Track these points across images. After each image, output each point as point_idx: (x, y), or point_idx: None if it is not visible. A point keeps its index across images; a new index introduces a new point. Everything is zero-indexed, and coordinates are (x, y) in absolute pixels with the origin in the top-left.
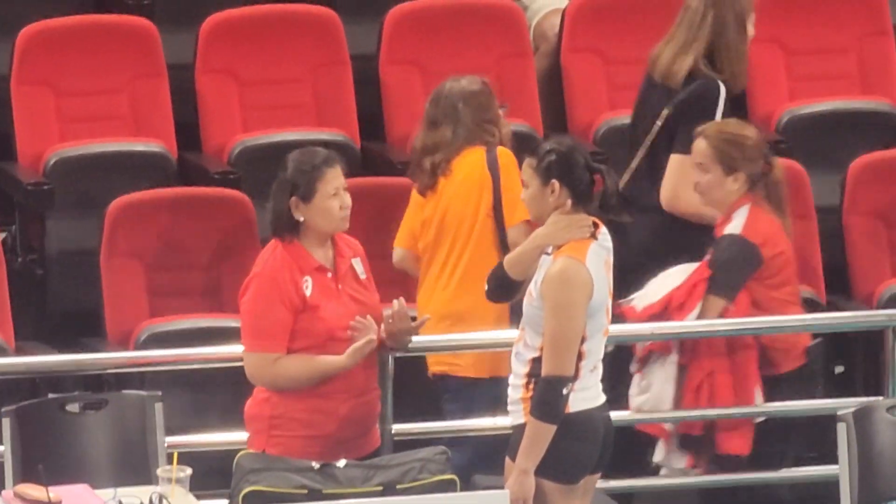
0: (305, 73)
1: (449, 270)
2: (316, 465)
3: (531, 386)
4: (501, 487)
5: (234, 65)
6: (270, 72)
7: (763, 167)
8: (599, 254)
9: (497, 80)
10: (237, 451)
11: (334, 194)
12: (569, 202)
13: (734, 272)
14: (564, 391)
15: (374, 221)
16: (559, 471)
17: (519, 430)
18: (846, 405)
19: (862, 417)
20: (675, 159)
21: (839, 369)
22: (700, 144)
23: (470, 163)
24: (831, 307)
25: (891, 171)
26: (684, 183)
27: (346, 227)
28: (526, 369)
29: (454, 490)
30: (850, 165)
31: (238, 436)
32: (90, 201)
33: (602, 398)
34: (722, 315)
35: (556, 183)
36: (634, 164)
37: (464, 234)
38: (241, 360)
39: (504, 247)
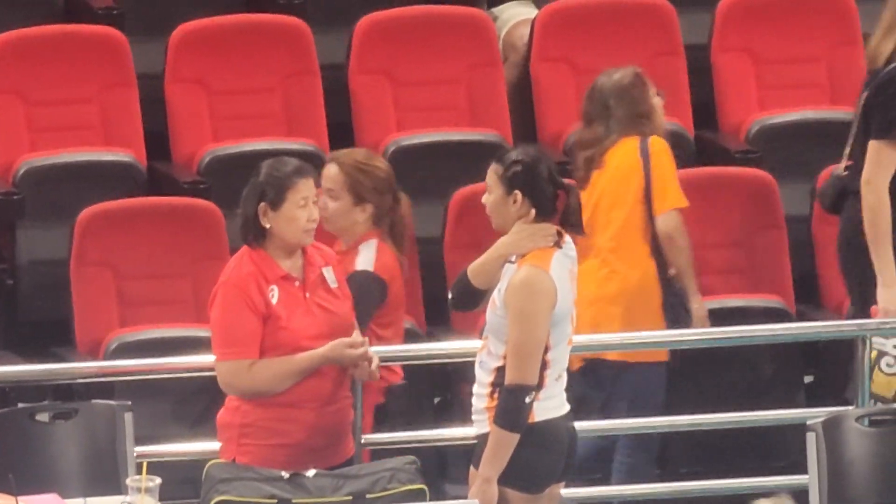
0: (275, 82)
1: (601, 256)
2: (285, 474)
3: (496, 395)
4: (466, 497)
5: (205, 74)
6: (240, 81)
7: (391, 201)
8: (563, 263)
9: (467, 89)
10: (207, 460)
11: (303, 205)
12: (532, 212)
13: (365, 310)
14: (527, 400)
15: None
16: (523, 480)
17: (483, 438)
18: (816, 415)
19: (831, 427)
20: (871, 145)
21: (808, 379)
22: (331, 170)
23: (623, 152)
24: (801, 317)
25: None
26: (878, 170)
27: (309, 240)
28: (490, 378)
29: (424, 499)
30: (819, 175)
31: (207, 445)
32: (60, 211)
33: (566, 407)
34: None
35: (518, 194)
36: (847, 150)
37: (614, 220)
38: (211, 369)
39: (653, 234)
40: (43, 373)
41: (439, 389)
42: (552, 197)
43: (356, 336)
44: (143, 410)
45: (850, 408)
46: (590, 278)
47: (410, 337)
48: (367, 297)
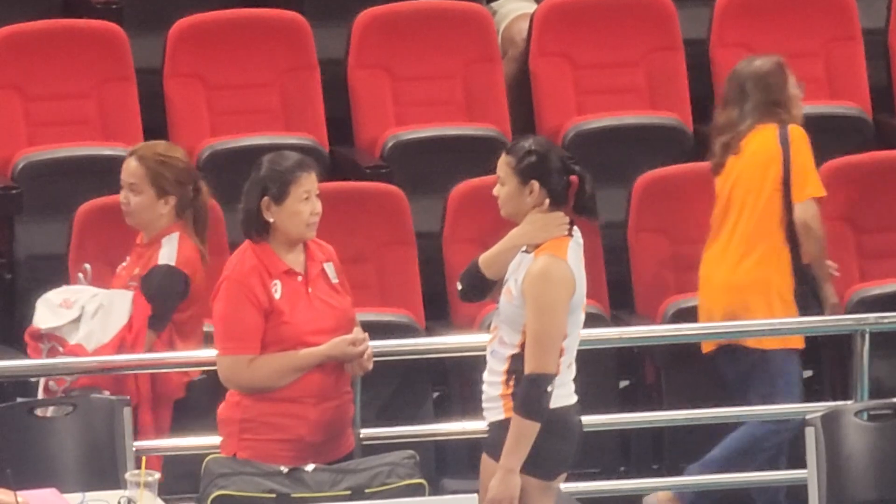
0: (274, 77)
1: (735, 242)
2: (284, 469)
3: (511, 382)
4: (470, 491)
5: (203, 69)
6: (239, 76)
7: (192, 192)
8: (577, 251)
9: (465, 84)
10: (206, 454)
11: (306, 199)
12: (546, 202)
13: (167, 304)
14: (549, 388)
15: (343, 226)
16: (540, 467)
17: (496, 426)
18: (815, 409)
19: (830, 421)
20: None
21: (807, 373)
22: (132, 164)
23: (761, 138)
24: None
25: (858, 175)
26: None
27: (312, 234)
28: (504, 366)
29: (423, 494)
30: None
31: (206, 440)
32: (59, 205)
33: (575, 397)
34: (152, 349)
35: (535, 183)
36: None
37: (750, 207)
38: (212, 364)
39: (788, 222)
40: (41, 367)
41: (438, 384)
42: (566, 185)
43: (357, 332)
44: None
45: (849, 402)
46: (721, 265)
47: (409, 331)
48: (170, 291)
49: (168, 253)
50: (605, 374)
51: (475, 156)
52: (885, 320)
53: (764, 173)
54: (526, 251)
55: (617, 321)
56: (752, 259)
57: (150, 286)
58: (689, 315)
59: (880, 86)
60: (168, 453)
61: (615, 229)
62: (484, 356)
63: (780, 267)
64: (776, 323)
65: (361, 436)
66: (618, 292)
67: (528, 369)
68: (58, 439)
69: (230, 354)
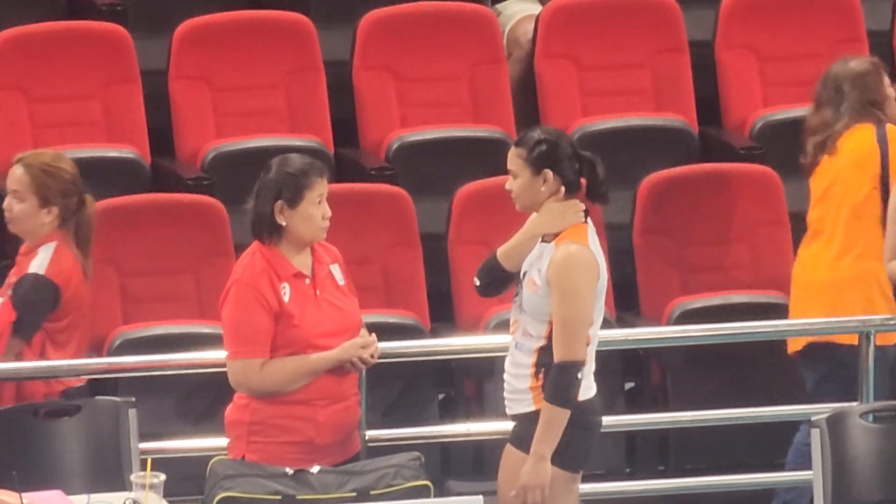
0: (279, 79)
1: (834, 241)
2: (290, 470)
3: (540, 375)
4: (475, 493)
5: (208, 71)
6: (244, 78)
7: (76, 204)
8: (595, 237)
9: (470, 85)
10: (211, 456)
11: (318, 203)
12: (562, 189)
13: (35, 313)
14: (579, 375)
15: (349, 227)
16: (566, 460)
17: (524, 417)
18: (820, 411)
19: (836, 423)
20: None
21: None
22: (17, 172)
23: (858, 138)
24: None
25: None
26: None
27: (324, 237)
28: (532, 359)
29: (428, 496)
30: None
31: (212, 441)
32: None
33: (595, 389)
34: (20, 357)
35: (548, 172)
36: None
37: (849, 205)
38: (215, 365)
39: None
40: (46, 369)
41: (443, 386)
42: (578, 172)
43: (364, 334)
44: (147, 407)
45: (855, 404)
46: (820, 263)
47: (414, 333)
48: (36, 300)
49: (40, 262)
50: (611, 376)
51: (480, 157)
52: (891, 322)
53: (862, 172)
54: (544, 241)
55: (622, 323)
56: (852, 256)
57: (17, 294)
58: (694, 316)
59: None
60: (172, 455)
61: (621, 231)
62: (489, 358)
63: (880, 264)
64: (782, 324)
65: (367, 437)
66: (623, 294)
67: (557, 357)
68: (63, 441)
69: (241, 358)
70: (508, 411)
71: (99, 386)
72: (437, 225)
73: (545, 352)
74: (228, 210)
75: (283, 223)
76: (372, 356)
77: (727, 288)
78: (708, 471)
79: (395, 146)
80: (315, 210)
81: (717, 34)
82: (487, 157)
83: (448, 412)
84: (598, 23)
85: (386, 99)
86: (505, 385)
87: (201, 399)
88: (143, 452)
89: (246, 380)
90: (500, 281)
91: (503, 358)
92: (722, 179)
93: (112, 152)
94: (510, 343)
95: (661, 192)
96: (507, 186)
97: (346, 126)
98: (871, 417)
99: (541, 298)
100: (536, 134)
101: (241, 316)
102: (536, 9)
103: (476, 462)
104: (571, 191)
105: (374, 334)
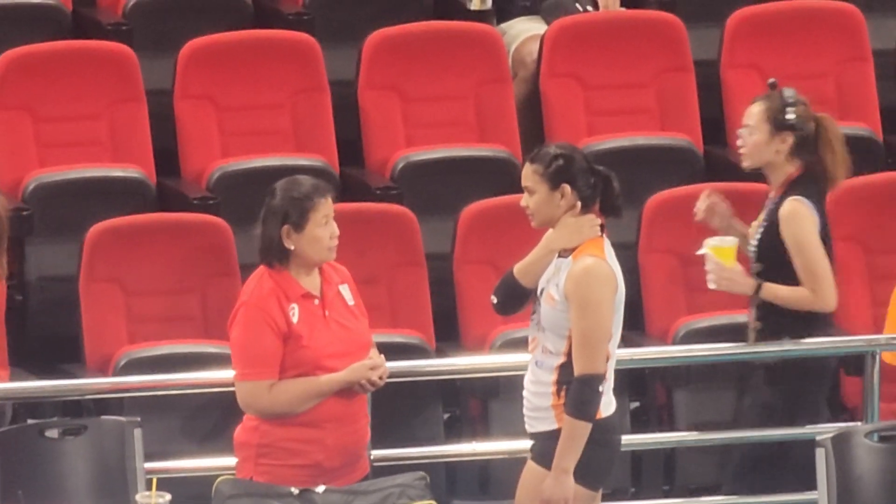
0: (284, 98)
1: None
2: (295, 490)
3: (562, 393)
4: None
5: (213, 90)
6: (249, 97)
7: None
8: (611, 250)
9: (476, 105)
10: (216, 476)
11: (325, 224)
12: (578, 204)
13: None
14: (600, 388)
15: (354, 247)
16: (587, 476)
17: (548, 436)
18: (825, 430)
19: (840, 442)
20: None
21: None
22: None
23: None
24: None
25: (871, 194)
26: None
27: (333, 257)
28: (553, 377)
29: None
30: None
31: (217, 461)
32: (69, 227)
33: (614, 405)
34: None
35: (566, 187)
36: None
37: None
38: (221, 385)
39: None
40: (52, 389)
41: (448, 405)
42: (593, 186)
43: (374, 354)
44: (153, 426)
45: (860, 423)
46: None
47: (419, 353)
48: None
49: None
50: (616, 395)
51: (485, 177)
52: None
53: None
54: (561, 255)
55: (628, 342)
56: None
57: None
58: (700, 336)
59: (891, 107)
60: (177, 475)
61: (626, 250)
62: (495, 377)
63: None
64: (787, 344)
65: (372, 457)
66: (628, 313)
67: (578, 370)
68: (68, 461)
69: (249, 380)
70: (529, 429)
71: (105, 405)
72: (442, 244)
73: (565, 369)
74: (234, 230)
75: (292, 247)
76: (381, 378)
77: (733, 307)
78: (713, 491)
79: (400, 166)
80: (322, 231)
81: (722, 54)
82: (493, 176)
83: (453, 432)
84: (603, 42)
85: (391, 118)
86: (525, 402)
87: (207, 419)
88: (149, 472)
89: (254, 401)
90: (517, 298)
91: (509, 377)
92: (727, 199)
93: (117, 172)
94: (529, 361)
95: (666, 212)
96: (524, 203)
97: (351, 146)
98: (875, 437)
99: (559, 313)
100: (552, 149)
101: (249, 337)
102: (541, 28)
103: (482, 482)
104: (588, 205)
105: (382, 356)
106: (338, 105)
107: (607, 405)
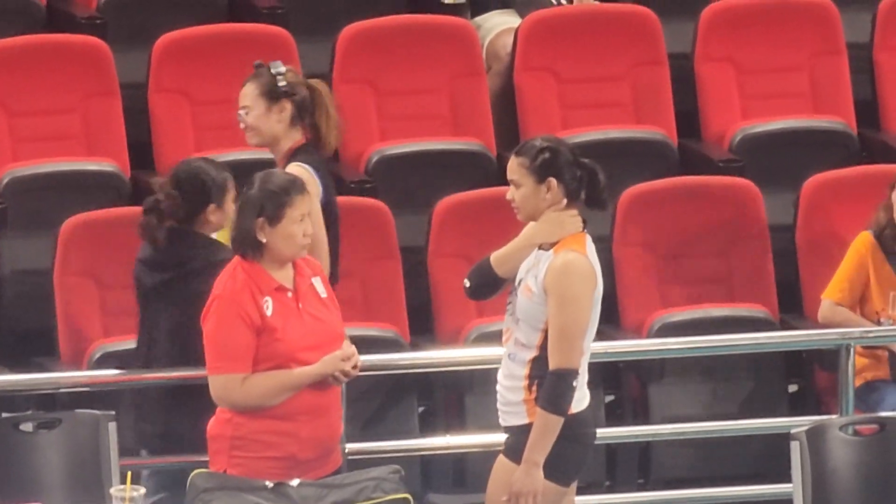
0: None
1: None
2: (270, 484)
3: (533, 388)
4: None
5: (188, 84)
6: (223, 91)
7: None
8: (592, 246)
9: (450, 98)
10: (191, 469)
11: (299, 221)
12: (564, 201)
13: None
14: (574, 383)
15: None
16: (557, 472)
17: (520, 430)
18: (800, 423)
19: (815, 436)
20: None
21: (793, 388)
22: None
23: None
24: (785, 325)
25: (845, 189)
26: None
27: (305, 254)
28: (525, 370)
29: None
30: (803, 184)
31: (191, 455)
32: (43, 221)
33: (588, 400)
34: None
35: (552, 181)
36: None
37: None
38: (195, 379)
39: None
40: (26, 382)
41: (423, 399)
42: (579, 179)
43: (346, 346)
44: (127, 421)
45: (834, 416)
46: None
47: (394, 346)
48: None
49: None
50: (591, 389)
51: (460, 170)
52: (870, 335)
53: None
54: (542, 248)
55: (602, 335)
56: None
57: None
58: (674, 329)
59: (865, 100)
60: (154, 468)
61: (600, 243)
62: (469, 371)
63: None
64: (762, 337)
65: (347, 451)
66: (603, 307)
67: (553, 364)
68: (43, 455)
69: (223, 374)
70: (502, 423)
71: (79, 399)
72: (416, 238)
73: (538, 363)
74: None
75: (264, 240)
76: (354, 367)
77: (707, 301)
78: (687, 484)
79: (374, 159)
80: (296, 228)
81: (696, 47)
82: (467, 169)
83: (428, 425)
84: (577, 35)
85: (365, 112)
86: (498, 397)
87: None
88: (124, 466)
89: (227, 394)
90: (490, 285)
91: (483, 371)
92: (701, 192)
93: (91, 166)
94: (503, 354)
95: (640, 205)
96: (509, 196)
97: None
98: (850, 430)
99: (536, 305)
100: (538, 142)
101: (222, 332)
102: (516, 21)
103: (456, 475)
104: (573, 198)
105: (353, 346)
106: None
107: (580, 400)
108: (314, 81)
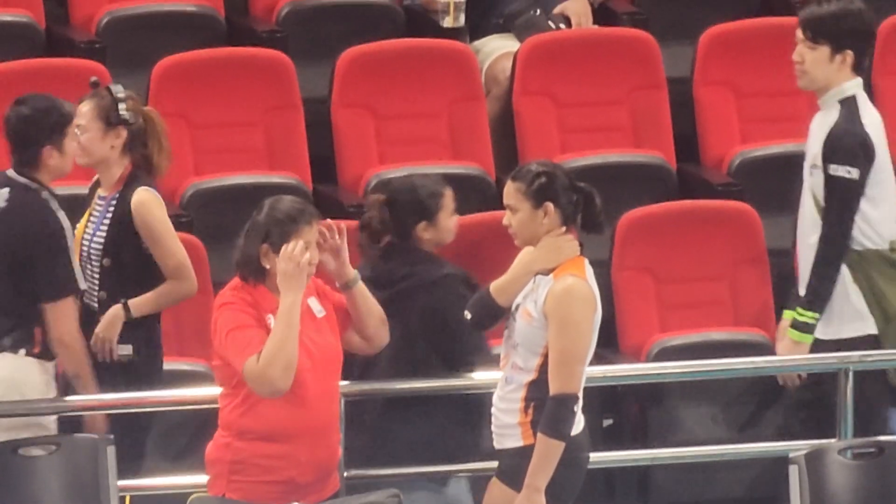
0: (258, 116)
1: None
2: None
3: (530, 410)
4: None
5: (186, 108)
6: (222, 115)
7: None
8: (591, 271)
9: (449, 122)
10: (189, 494)
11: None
12: (562, 228)
13: None
14: (575, 408)
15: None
16: (554, 495)
17: (514, 453)
18: (798, 447)
19: (814, 460)
20: None
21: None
22: None
23: None
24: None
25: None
26: None
27: (308, 281)
28: (522, 393)
29: None
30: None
31: (190, 479)
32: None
33: (583, 422)
34: None
35: (549, 205)
36: None
37: None
38: (195, 402)
39: None
40: (27, 407)
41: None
42: (576, 203)
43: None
44: (126, 444)
45: (833, 440)
46: None
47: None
48: None
49: None
50: (589, 413)
51: (459, 194)
52: (869, 359)
53: None
54: (540, 273)
55: (601, 359)
56: None
57: None
58: (673, 353)
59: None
60: (150, 492)
61: (599, 267)
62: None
63: None
64: (760, 361)
65: (345, 476)
66: (602, 331)
67: (553, 389)
68: (41, 478)
69: (245, 361)
70: (496, 445)
71: (78, 422)
72: None
73: (535, 386)
74: (206, 247)
75: (268, 266)
76: (309, 261)
77: (706, 325)
78: None
79: (373, 183)
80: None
81: (695, 71)
82: (466, 193)
83: None
84: (575, 60)
85: (364, 136)
86: (493, 419)
87: (180, 436)
88: (122, 490)
89: (259, 379)
90: (491, 316)
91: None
92: (700, 216)
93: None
94: (500, 378)
95: (639, 229)
96: (506, 222)
97: (324, 163)
98: (849, 454)
99: (535, 330)
100: (534, 167)
101: (233, 329)
102: (514, 46)
103: None
104: (570, 223)
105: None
106: (311, 122)
107: (576, 424)
108: (148, 109)
